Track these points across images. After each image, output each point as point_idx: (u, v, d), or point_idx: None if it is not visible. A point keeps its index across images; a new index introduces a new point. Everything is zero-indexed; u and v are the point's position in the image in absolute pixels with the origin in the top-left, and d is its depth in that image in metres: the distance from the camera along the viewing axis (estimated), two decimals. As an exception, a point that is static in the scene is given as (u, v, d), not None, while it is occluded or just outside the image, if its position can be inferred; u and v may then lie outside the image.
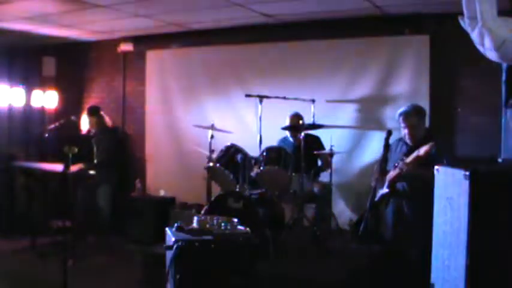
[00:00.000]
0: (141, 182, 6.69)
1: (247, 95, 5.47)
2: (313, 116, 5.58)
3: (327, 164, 5.44)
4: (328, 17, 5.65)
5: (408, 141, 4.56)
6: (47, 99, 7.23)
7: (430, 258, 2.93)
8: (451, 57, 5.25)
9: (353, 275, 4.34)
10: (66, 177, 4.62)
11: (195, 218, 3.55)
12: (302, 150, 5.03)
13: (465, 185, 2.40)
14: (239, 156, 5.06)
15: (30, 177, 6.14)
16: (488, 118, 4.69)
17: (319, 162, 5.64)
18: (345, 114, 5.81)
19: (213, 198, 5.12)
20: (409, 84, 5.49)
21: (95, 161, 5.99)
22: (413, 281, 3.53)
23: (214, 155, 5.30)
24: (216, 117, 6.00)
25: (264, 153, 5.08)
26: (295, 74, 6.02)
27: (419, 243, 3.75)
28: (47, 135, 6.16)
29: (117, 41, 7.12)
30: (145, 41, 6.98)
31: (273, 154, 5.09)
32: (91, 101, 7.39)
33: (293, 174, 5.08)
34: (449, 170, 2.70)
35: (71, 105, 7.38)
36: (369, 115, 5.74)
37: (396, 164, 4.49)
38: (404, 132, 4.55)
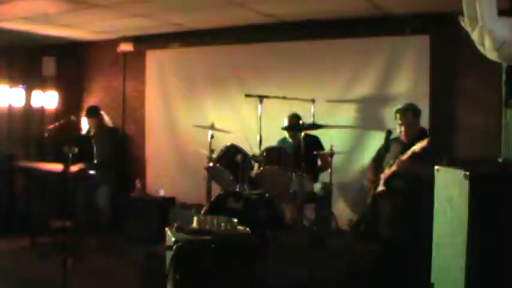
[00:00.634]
0: (141, 182, 6.69)
1: (247, 95, 5.46)
2: (313, 116, 5.58)
3: (326, 164, 5.45)
4: (328, 17, 5.65)
5: (403, 138, 4.63)
6: (47, 99, 7.24)
7: (430, 258, 2.93)
8: (451, 57, 5.25)
9: (353, 275, 4.34)
10: (66, 177, 4.63)
11: (195, 218, 3.56)
12: (302, 150, 5.03)
13: (465, 185, 2.40)
14: (239, 156, 5.06)
15: (30, 177, 6.14)
16: (488, 118, 4.69)
17: (319, 163, 5.65)
18: (345, 114, 5.81)
19: (213, 198, 5.13)
20: (409, 84, 5.49)
21: (95, 161, 5.99)
22: (413, 281, 3.53)
23: (214, 155, 5.30)
24: (216, 117, 6.00)
25: (264, 153, 5.08)
26: (295, 74, 6.02)
27: (418, 241, 3.75)
28: (47, 135, 6.16)
29: (117, 41, 7.12)
30: (145, 41, 6.98)
31: (273, 154, 5.09)
32: (91, 101, 7.39)
33: (293, 174, 5.07)
34: (449, 170, 2.70)
35: (71, 105, 7.38)
36: (369, 115, 5.74)
37: (392, 162, 4.52)
38: (400, 129, 4.62)
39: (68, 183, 4.38)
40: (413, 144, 4.32)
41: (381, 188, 4.59)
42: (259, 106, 5.36)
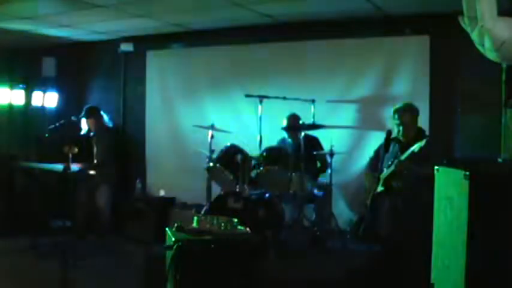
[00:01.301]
0: (141, 182, 6.69)
1: (247, 95, 5.47)
2: (313, 116, 5.58)
3: (326, 164, 5.45)
4: (328, 17, 5.65)
5: (401, 138, 4.64)
6: (47, 99, 7.23)
7: (430, 258, 2.93)
8: (451, 57, 5.25)
9: (353, 275, 4.34)
10: (66, 177, 4.63)
11: (195, 218, 3.55)
12: (302, 150, 5.03)
13: (465, 185, 2.40)
14: (239, 156, 5.06)
15: (30, 177, 6.13)
16: (488, 118, 4.70)
17: (318, 163, 5.65)
18: (345, 114, 5.81)
19: (213, 198, 5.13)
20: (409, 85, 5.49)
21: (95, 161, 5.99)
22: (413, 281, 3.53)
23: (214, 155, 5.30)
24: (216, 117, 6.00)
25: (264, 153, 5.08)
26: (295, 74, 6.02)
27: (416, 240, 3.75)
28: (47, 135, 6.16)
29: (117, 41, 7.12)
30: (145, 41, 6.98)
31: (273, 154, 5.09)
32: (91, 101, 7.39)
33: (293, 174, 5.08)
34: (449, 170, 2.70)
35: (71, 105, 7.37)
36: (369, 115, 5.74)
37: (390, 162, 4.53)
38: (399, 128, 4.63)
39: (68, 183, 4.38)
40: (411, 144, 4.32)
41: (380, 188, 4.59)
42: (259, 106, 5.36)
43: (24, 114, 7.28)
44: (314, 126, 5.32)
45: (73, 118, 6.24)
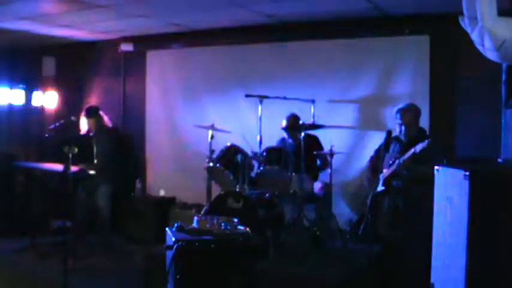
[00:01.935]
0: (141, 182, 6.69)
1: (247, 95, 5.47)
2: (313, 116, 5.58)
3: (326, 164, 5.45)
4: (328, 17, 5.65)
5: (403, 137, 4.65)
6: (47, 99, 7.23)
7: (430, 258, 2.93)
8: (451, 57, 5.25)
9: (353, 275, 4.35)
10: (66, 177, 4.62)
11: (195, 218, 3.56)
12: (302, 150, 5.03)
13: (465, 185, 2.40)
14: (239, 156, 5.06)
15: (30, 177, 6.13)
16: (488, 118, 4.70)
17: (318, 162, 5.65)
18: (345, 114, 5.81)
19: (213, 198, 5.12)
20: (409, 84, 5.49)
21: (95, 161, 5.99)
22: (413, 281, 3.53)
23: (214, 155, 5.30)
24: (216, 117, 6.00)
25: (264, 153, 5.08)
26: (295, 74, 6.02)
27: (417, 240, 3.75)
28: (47, 135, 6.16)
29: (117, 41, 7.12)
30: (145, 41, 6.98)
31: (273, 154, 5.09)
32: (91, 101, 7.39)
33: (293, 174, 5.08)
34: (449, 170, 2.70)
35: (71, 105, 7.37)
36: (369, 115, 5.74)
37: (391, 162, 4.53)
38: (401, 128, 4.63)
39: (68, 183, 4.38)
40: (412, 144, 4.32)
41: (380, 188, 4.59)
42: (259, 106, 5.36)
43: (24, 114, 7.28)
44: (314, 126, 5.32)
45: (73, 118, 6.24)
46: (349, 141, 5.76)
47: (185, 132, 6.66)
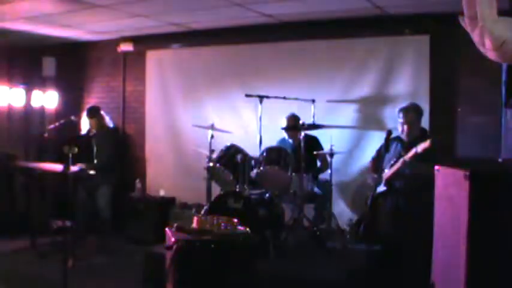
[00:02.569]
0: (141, 182, 6.69)
1: (247, 95, 5.47)
2: (313, 116, 5.58)
3: (326, 164, 5.45)
4: (328, 17, 5.65)
5: (405, 137, 4.65)
6: (47, 99, 7.24)
7: (430, 258, 2.93)
8: (451, 57, 5.25)
9: (353, 275, 4.34)
10: (66, 177, 4.62)
11: (195, 218, 3.56)
12: (302, 150, 5.03)
13: (465, 185, 2.40)
14: (239, 156, 5.06)
15: (30, 177, 6.13)
16: (488, 118, 4.70)
17: (318, 163, 5.65)
18: (345, 114, 5.81)
19: (213, 198, 5.13)
20: (409, 84, 5.49)
21: (95, 161, 5.99)
22: (413, 281, 3.53)
23: (214, 155, 5.30)
24: (216, 117, 6.00)
25: (264, 154, 5.08)
26: (295, 74, 6.02)
27: (417, 240, 3.75)
28: (47, 135, 6.16)
29: (117, 41, 7.12)
30: (145, 41, 6.98)
31: (273, 154, 5.09)
32: (91, 101, 7.39)
33: (293, 174, 5.08)
34: (449, 170, 2.70)
35: (71, 105, 7.38)
36: (369, 115, 5.74)
37: (393, 162, 4.52)
38: (403, 128, 4.63)
39: (68, 183, 4.37)
40: (414, 144, 4.32)
41: (382, 188, 4.58)
42: (259, 106, 5.36)
43: (24, 114, 7.28)
44: (314, 126, 5.32)
45: (73, 118, 6.24)
46: (349, 141, 5.76)
47: (185, 132, 6.66)
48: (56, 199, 5.78)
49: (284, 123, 5.56)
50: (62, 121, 6.21)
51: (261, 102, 5.37)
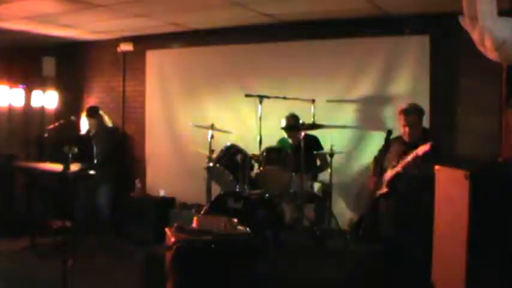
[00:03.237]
0: (141, 182, 6.69)
1: (247, 95, 5.46)
2: (313, 116, 5.57)
3: (326, 164, 5.45)
4: (328, 17, 5.65)
5: (406, 139, 4.61)
6: (47, 99, 7.24)
7: (430, 258, 2.93)
8: (451, 57, 5.25)
9: (353, 275, 4.34)
10: (66, 177, 4.63)
11: (195, 218, 3.56)
12: (302, 150, 5.03)
13: (465, 185, 2.40)
14: (239, 156, 5.06)
15: (30, 177, 6.14)
16: (488, 118, 4.70)
17: (318, 162, 5.65)
18: (345, 114, 5.80)
19: (213, 198, 5.12)
20: (409, 84, 5.49)
21: (95, 161, 5.99)
22: (414, 281, 3.54)
23: (214, 155, 5.30)
24: (216, 117, 6.00)
25: (264, 153, 5.08)
26: (295, 74, 6.01)
27: (418, 242, 3.75)
28: (47, 135, 6.16)
29: (117, 41, 7.12)
30: (145, 41, 6.98)
31: (273, 154, 5.09)
32: (91, 101, 7.40)
33: (293, 174, 5.08)
34: (449, 170, 2.70)
35: (71, 105, 7.38)
36: (369, 115, 5.74)
37: (394, 164, 4.51)
38: (404, 130, 4.60)
39: (68, 183, 4.38)
40: (416, 145, 4.31)
41: (384, 189, 4.56)
42: (259, 106, 5.36)
43: (24, 114, 7.28)
44: (314, 126, 5.32)
45: (73, 118, 6.24)
46: (349, 141, 5.76)
47: (185, 132, 6.66)
48: (56, 199, 5.78)
49: (284, 123, 5.55)
50: (62, 121, 6.21)
51: (261, 102, 5.36)
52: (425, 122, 5.11)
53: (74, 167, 5.25)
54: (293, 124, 5.45)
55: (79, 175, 5.59)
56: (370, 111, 5.73)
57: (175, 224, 3.50)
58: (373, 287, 4.13)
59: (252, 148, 5.27)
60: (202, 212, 4.97)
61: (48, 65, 7.55)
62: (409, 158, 4.28)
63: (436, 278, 2.86)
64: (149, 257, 4.30)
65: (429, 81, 5.38)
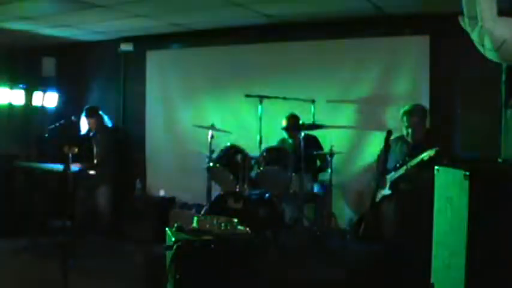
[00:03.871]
0: (141, 182, 6.69)
1: (247, 95, 5.47)
2: (313, 116, 5.58)
3: (326, 164, 5.45)
4: (328, 17, 5.65)
5: (410, 140, 4.59)
6: (47, 99, 7.23)
7: (431, 258, 2.93)
8: (451, 57, 5.25)
9: (353, 275, 4.34)
10: (66, 177, 4.63)
11: (195, 218, 3.56)
12: (302, 150, 5.03)
13: (465, 185, 2.40)
14: (239, 156, 5.06)
15: (30, 177, 6.14)
16: (488, 118, 4.69)
17: (318, 162, 5.65)
18: (345, 114, 5.81)
19: (213, 198, 5.13)
20: (409, 84, 5.49)
21: (95, 161, 5.99)
22: (414, 281, 3.53)
23: (214, 155, 5.30)
24: (216, 117, 6.00)
25: (264, 153, 5.08)
26: (295, 74, 6.01)
27: (422, 243, 3.75)
28: (47, 135, 6.16)
29: (117, 41, 7.12)
30: (145, 41, 6.98)
31: (273, 154, 5.09)
32: (91, 101, 7.39)
33: (293, 174, 5.08)
34: (449, 170, 2.70)
35: (71, 105, 7.37)
36: (369, 115, 5.74)
37: (397, 165, 4.48)
38: (408, 130, 4.58)
39: (68, 183, 4.38)
40: (419, 146, 4.29)
41: (387, 191, 4.53)
42: (259, 106, 5.36)
43: (24, 114, 7.28)
44: (314, 126, 5.32)
45: (73, 118, 6.25)
46: (349, 141, 5.76)
47: (185, 132, 6.66)
48: (56, 199, 5.78)
49: (284, 123, 5.56)
50: (62, 121, 6.21)
51: (261, 102, 5.37)
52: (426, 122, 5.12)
53: (74, 167, 5.26)
54: (293, 124, 5.45)
55: (79, 175, 5.59)
56: (370, 111, 5.73)
57: (175, 224, 3.50)
58: (373, 287, 4.13)
59: (252, 148, 5.28)
60: (202, 212, 4.97)
61: (48, 65, 7.55)
62: (414, 162, 4.23)
63: (435, 278, 2.86)
64: (149, 257, 4.30)
65: (429, 81, 5.38)
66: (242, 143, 5.30)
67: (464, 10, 3.01)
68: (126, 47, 7.09)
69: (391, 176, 4.53)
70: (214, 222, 3.50)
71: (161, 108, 6.99)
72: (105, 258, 5.28)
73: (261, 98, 5.36)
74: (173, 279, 3.18)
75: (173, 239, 3.23)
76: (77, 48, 7.49)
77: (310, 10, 5.43)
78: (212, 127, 5.46)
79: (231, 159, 5.13)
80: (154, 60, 7.07)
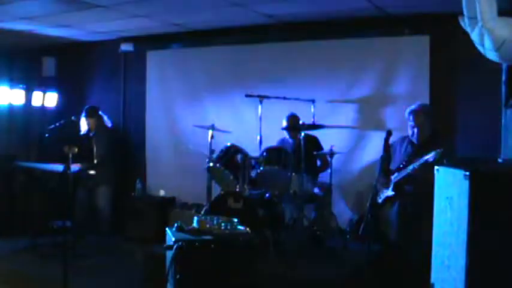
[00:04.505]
0: (141, 182, 6.69)
1: (247, 95, 5.47)
2: (313, 116, 5.58)
3: (326, 164, 5.46)
4: (329, 17, 5.65)
5: (415, 139, 4.57)
6: (47, 99, 7.23)
7: (431, 258, 2.93)
8: (451, 57, 5.25)
9: (353, 275, 4.35)
10: (66, 177, 4.63)
11: (195, 218, 3.55)
12: (302, 150, 5.04)
13: (465, 185, 2.40)
14: (239, 156, 5.06)
15: (30, 177, 6.13)
16: (488, 118, 4.69)
17: (318, 162, 5.65)
18: (345, 114, 5.81)
19: (213, 198, 5.13)
20: (409, 84, 5.49)
21: (95, 161, 5.99)
22: (414, 281, 3.53)
23: (214, 155, 5.30)
24: (216, 117, 6.00)
25: (264, 153, 5.08)
26: (295, 74, 6.02)
27: (425, 244, 3.74)
28: (47, 135, 6.16)
29: (117, 41, 7.12)
30: (145, 41, 6.98)
31: (273, 154, 5.09)
32: (91, 101, 7.38)
33: (293, 174, 5.08)
34: (449, 170, 2.70)
35: (71, 105, 7.36)
36: (369, 115, 5.74)
37: (401, 166, 4.46)
38: (413, 130, 4.56)
39: (68, 183, 4.38)
40: (424, 146, 4.28)
41: (390, 192, 4.52)
42: (259, 106, 5.36)
43: (24, 114, 7.28)
44: (314, 126, 5.33)
45: (73, 118, 6.24)
46: (349, 141, 5.77)
47: (185, 132, 6.66)
48: (56, 199, 5.78)
49: (284, 123, 5.56)
50: (62, 121, 6.21)
51: (261, 102, 5.37)
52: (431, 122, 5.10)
53: (74, 167, 5.26)
54: (293, 124, 5.45)
55: (79, 175, 5.59)
56: (370, 111, 5.74)
57: (175, 224, 3.50)
58: (373, 287, 4.13)
59: (252, 148, 5.28)
60: (202, 212, 4.97)
61: (48, 65, 7.55)
62: (418, 163, 4.22)
63: (435, 278, 2.86)
64: (149, 257, 4.30)
65: (429, 81, 5.38)
66: (242, 143, 5.31)
67: (464, 10, 3.01)
68: (126, 47, 7.09)
69: (395, 177, 4.51)
70: (214, 222, 3.50)
71: (161, 108, 6.99)
72: (105, 258, 5.28)
73: (261, 98, 5.36)
74: (173, 279, 3.18)
75: (173, 239, 3.23)
76: (77, 48, 7.49)
77: (310, 10, 5.43)
78: (212, 127, 5.46)
79: (231, 159, 5.14)
80: (154, 60, 7.07)
